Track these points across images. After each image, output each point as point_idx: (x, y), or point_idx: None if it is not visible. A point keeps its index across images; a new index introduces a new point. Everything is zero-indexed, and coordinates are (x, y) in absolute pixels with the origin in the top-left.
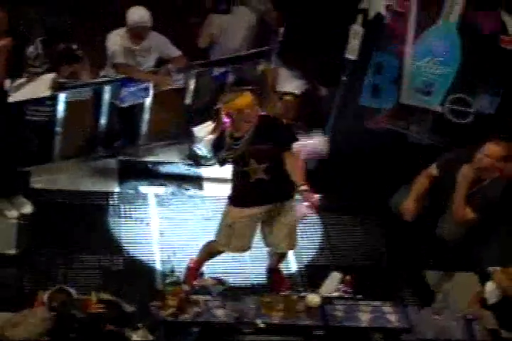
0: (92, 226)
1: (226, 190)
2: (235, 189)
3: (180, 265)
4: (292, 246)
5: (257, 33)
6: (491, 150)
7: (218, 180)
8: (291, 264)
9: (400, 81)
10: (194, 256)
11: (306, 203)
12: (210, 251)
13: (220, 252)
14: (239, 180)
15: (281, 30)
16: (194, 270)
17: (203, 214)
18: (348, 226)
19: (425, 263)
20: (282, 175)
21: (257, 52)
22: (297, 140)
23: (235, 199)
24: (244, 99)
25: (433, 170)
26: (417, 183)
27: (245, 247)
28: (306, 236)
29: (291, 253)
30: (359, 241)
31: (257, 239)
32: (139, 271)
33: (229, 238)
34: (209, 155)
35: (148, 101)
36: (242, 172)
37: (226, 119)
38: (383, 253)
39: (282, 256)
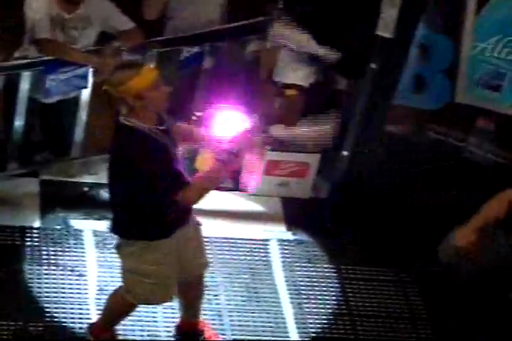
0: (0, 279)
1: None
2: (155, 212)
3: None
4: (207, 262)
5: None
6: None
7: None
8: (291, 335)
9: (455, 71)
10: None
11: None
12: (121, 308)
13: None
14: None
15: None
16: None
17: None
18: (374, 283)
19: None
20: None
21: (247, 26)
22: None
23: (161, 227)
24: (148, 75)
25: None
26: (486, 209)
27: (173, 294)
28: (315, 296)
29: (290, 319)
30: (389, 306)
31: None
32: None
33: (153, 287)
34: None
35: (85, 94)
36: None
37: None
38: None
39: (198, 290)
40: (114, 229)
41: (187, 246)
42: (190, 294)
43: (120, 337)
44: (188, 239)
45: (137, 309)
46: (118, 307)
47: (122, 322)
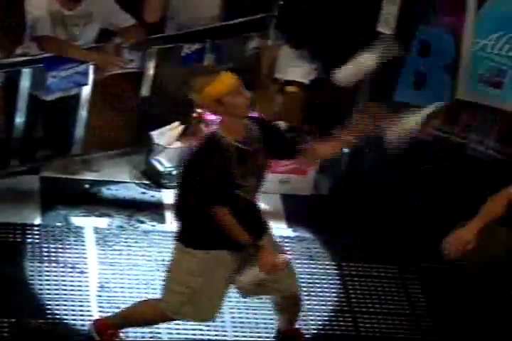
0: (1, 276)
1: None
2: (207, 222)
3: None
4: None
5: None
6: None
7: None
8: None
9: (456, 67)
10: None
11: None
12: (152, 317)
13: (169, 320)
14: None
15: None
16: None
17: (164, 258)
18: (375, 280)
19: None
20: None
21: (247, 23)
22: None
23: (203, 238)
24: (227, 80)
25: None
26: (489, 206)
27: (214, 314)
28: (316, 293)
29: None
30: (391, 303)
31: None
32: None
33: (201, 303)
34: (174, 172)
35: (86, 91)
36: (228, 194)
37: (209, 116)
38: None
39: (296, 304)
40: (176, 233)
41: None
42: (289, 310)
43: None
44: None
45: (136, 296)
46: (146, 315)
47: (122, 308)
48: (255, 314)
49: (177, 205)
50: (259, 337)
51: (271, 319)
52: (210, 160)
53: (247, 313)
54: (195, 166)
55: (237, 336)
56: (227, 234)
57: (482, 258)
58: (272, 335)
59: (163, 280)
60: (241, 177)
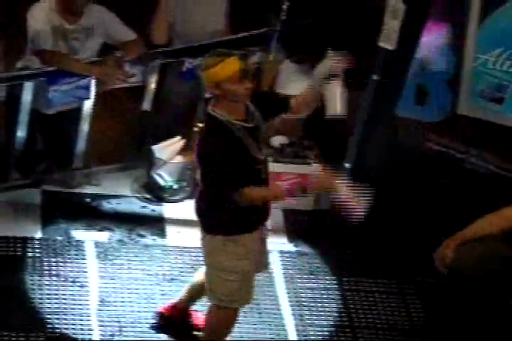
0: (1, 289)
1: (197, 236)
2: (236, 207)
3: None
4: (269, 263)
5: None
6: None
7: (187, 224)
8: None
9: (457, 82)
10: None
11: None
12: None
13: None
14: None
15: (285, 4)
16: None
17: (164, 273)
18: (375, 295)
19: None
20: None
21: (249, 37)
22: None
23: (243, 222)
24: (229, 66)
25: None
26: (481, 223)
27: (253, 295)
28: (317, 308)
29: (292, 331)
30: (391, 317)
31: None
32: None
33: (236, 285)
34: (175, 186)
35: (87, 105)
36: (250, 172)
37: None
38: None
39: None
40: (201, 223)
41: (259, 244)
42: (201, 292)
43: (122, 337)
44: (261, 239)
45: (137, 310)
46: (217, 322)
47: (122, 323)
48: (255, 328)
49: (207, 199)
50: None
51: (271, 333)
52: (223, 149)
53: (247, 328)
54: (212, 158)
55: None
56: (265, 203)
57: (479, 272)
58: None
59: (207, 281)
60: (257, 152)
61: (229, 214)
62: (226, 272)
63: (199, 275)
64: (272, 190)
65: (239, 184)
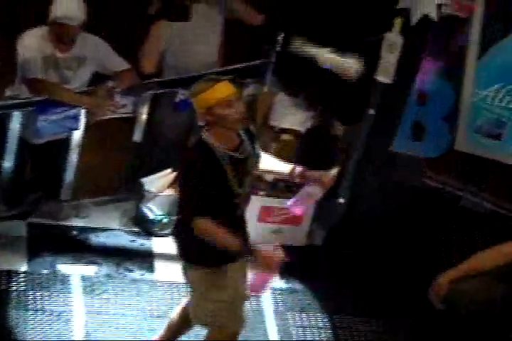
0: None
1: None
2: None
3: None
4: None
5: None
6: None
7: (176, 258)
8: None
9: (454, 118)
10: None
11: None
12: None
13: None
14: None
15: (280, 36)
16: None
17: (152, 308)
18: (367, 333)
19: None
20: None
21: (244, 69)
22: None
23: (220, 253)
24: (220, 90)
25: None
26: (476, 258)
27: (243, 320)
28: None
29: None
30: None
31: None
32: None
33: (221, 311)
34: (165, 220)
35: (77, 136)
36: (223, 205)
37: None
38: None
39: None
40: (180, 252)
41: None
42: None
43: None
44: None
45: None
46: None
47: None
48: None
49: (184, 227)
50: None
51: None
52: (203, 174)
53: None
54: (190, 180)
55: None
56: (221, 245)
57: (476, 307)
58: None
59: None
60: (238, 186)
61: (209, 246)
62: (210, 301)
63: (179, 309)
64: (229, 238)
65: (205, 213)
